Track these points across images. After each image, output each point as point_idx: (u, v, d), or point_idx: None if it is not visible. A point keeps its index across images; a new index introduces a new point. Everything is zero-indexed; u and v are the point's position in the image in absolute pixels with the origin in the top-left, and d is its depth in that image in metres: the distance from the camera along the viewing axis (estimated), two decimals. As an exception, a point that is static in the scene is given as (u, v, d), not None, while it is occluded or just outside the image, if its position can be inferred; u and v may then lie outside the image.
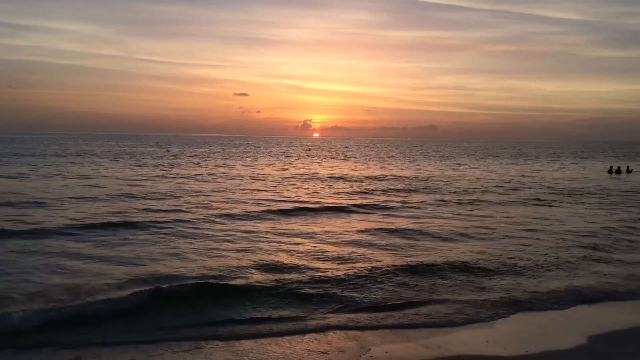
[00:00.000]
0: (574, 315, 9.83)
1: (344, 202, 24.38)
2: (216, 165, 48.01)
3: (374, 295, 10.55)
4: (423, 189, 31.04)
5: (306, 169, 48.24)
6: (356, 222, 19.01)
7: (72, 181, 30.25)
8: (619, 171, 47.17)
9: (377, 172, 44.38)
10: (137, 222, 16.99)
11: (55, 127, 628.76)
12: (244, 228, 16.96)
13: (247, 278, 11.22)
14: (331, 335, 8.63)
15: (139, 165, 45.50)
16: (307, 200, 24.73)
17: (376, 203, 24.10)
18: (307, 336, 8.56)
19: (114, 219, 17.49)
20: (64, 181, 30.23)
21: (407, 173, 44.35)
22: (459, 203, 24.86)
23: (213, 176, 36.65)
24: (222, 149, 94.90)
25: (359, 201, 24.64)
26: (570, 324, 9.35)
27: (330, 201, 24.54)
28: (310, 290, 10.57)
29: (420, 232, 16.98)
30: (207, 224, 17.39)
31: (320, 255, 13.60)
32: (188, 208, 20.75)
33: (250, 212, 20.21)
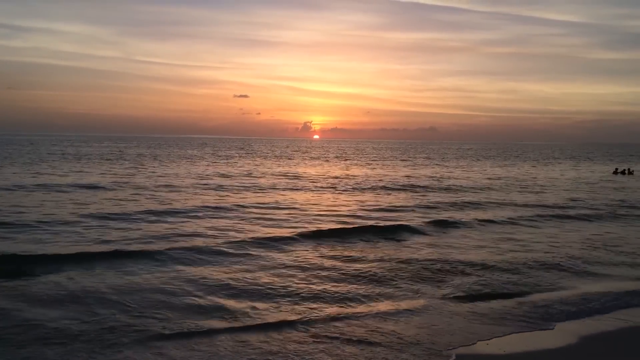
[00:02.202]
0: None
1: (404, 216, 20.04)
2: (246, 175, 39.82)
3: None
4: (484, 201, 25.57)
5: (335, 174, 42.43)
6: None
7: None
8: (623, 172, 49.26)
9: (419, 177, 39.80)
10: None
11: (55, 128, 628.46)
12: (309, 258, 13.10)
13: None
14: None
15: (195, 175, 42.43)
16: (368, 215, 20.33)
17: (444, 219, 19.33)
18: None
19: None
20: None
21: (458, 178, 39.84)
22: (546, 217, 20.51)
23: (251, 187, 30.33)
24: (240, 153, 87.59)
25: (420, 216, 19.97)
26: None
27: (385, 214, 20.46)
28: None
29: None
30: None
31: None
32: (226, 229, 16.53)
33: (309, 233, 16.11)
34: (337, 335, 8.09)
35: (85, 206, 20.24)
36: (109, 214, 18.39)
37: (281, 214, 19.90)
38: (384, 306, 9.54)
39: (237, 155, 77.00)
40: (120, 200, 22.51)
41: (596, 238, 16.51)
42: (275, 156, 76.24)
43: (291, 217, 19.29)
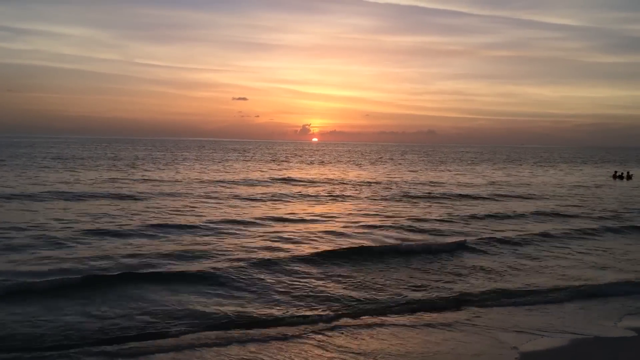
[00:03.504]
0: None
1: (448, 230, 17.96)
2: (251, 181, 36.38)
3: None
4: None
5: (346, 180, 39.69)
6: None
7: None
8: (621, 177, 48.69)
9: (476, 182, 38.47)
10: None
11: (55, 131, 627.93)
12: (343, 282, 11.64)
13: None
14: None
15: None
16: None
17: (492, 235, 17.14)
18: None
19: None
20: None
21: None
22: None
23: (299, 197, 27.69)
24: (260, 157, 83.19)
25: (465, 231, 17.86)
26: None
27: (420, 225, 18.70)
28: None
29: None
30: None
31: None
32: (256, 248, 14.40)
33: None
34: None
35: (76, 219, 18.04)
36: (105, 229, 16.24)
37: (296, 228, 17.64)
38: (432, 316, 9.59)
39: (237, 159, 74.81)
40: (117, 211, 20.19)
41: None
42: (279, 160, 74.11)
43: (309, 231, 17.15)
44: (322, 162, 71.59)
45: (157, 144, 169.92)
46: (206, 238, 15.61)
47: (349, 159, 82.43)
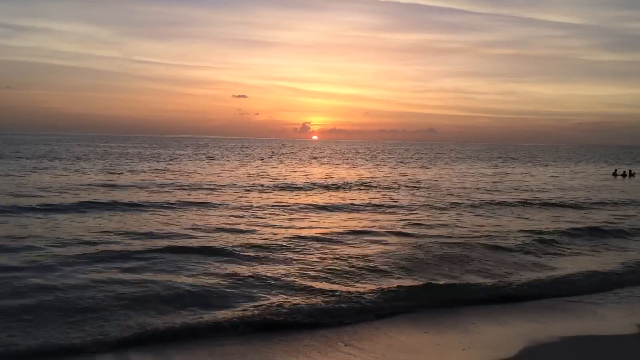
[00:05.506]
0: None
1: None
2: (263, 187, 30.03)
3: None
4: None
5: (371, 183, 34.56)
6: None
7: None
8: (624, 174, 47.89)
9: None
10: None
11: (53, 129, 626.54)
12: None
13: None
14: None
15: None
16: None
17: None
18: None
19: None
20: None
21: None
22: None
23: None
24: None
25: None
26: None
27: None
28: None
29: None
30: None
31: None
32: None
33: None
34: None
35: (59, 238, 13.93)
36: (106, 251, 12.75)
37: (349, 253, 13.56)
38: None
39: (240, 158, 73.09)
40: (114, 228, 15.99)
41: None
42: (293, 160, 72.28)
43: (386, 249, 14.13)
44: (341, 163, 65.49)
45: (156, 142, 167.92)
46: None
47: (366, 159, 79.30)
